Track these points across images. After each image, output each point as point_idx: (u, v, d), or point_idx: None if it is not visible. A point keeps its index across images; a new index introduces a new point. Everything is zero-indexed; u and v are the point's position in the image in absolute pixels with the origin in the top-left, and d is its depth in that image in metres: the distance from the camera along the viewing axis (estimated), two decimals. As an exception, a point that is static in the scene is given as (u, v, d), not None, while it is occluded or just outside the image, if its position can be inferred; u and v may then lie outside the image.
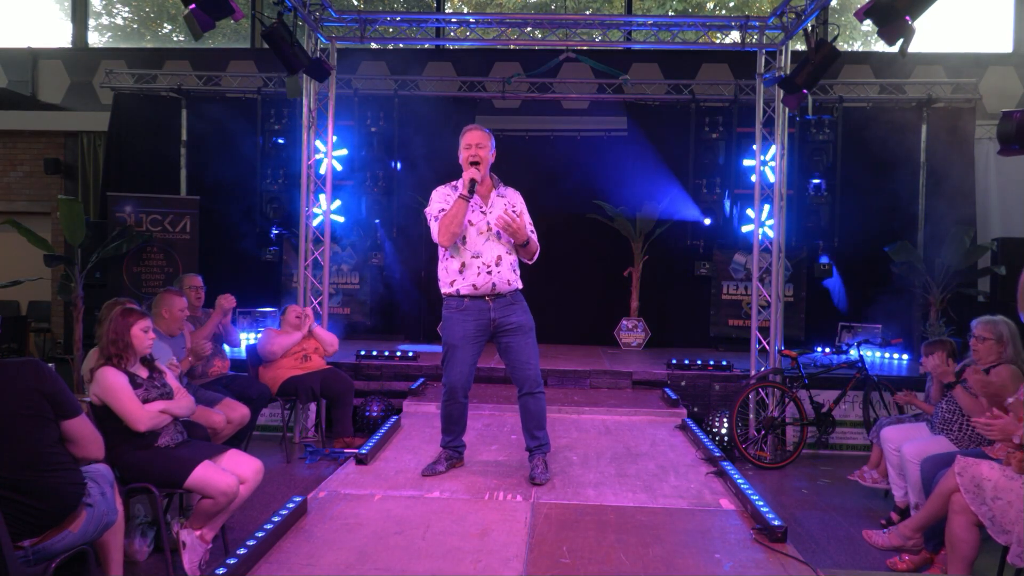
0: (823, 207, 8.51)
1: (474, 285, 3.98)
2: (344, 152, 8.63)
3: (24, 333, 8.82)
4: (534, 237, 4.03)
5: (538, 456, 4.11)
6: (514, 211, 3.96)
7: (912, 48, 4.84)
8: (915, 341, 7.84)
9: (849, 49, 10.74)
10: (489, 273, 3.96)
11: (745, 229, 8.52)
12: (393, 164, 8.86)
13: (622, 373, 6.92)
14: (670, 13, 10.69)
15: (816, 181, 8.37)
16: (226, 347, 5.43)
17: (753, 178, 7.05)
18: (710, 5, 11.61)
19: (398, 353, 7.19)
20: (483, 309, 4.01)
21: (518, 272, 4.08)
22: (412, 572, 2.89)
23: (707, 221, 8.68)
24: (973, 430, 3.88)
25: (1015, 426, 3.18)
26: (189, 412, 3.60)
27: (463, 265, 4.00)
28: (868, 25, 4.95)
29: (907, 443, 4.16)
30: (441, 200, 3.99)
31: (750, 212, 8.09)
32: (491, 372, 6.96)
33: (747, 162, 8.47)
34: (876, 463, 4.77)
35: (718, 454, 4.45)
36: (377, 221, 8.84)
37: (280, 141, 8.69)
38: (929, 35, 9.50)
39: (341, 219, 8.49)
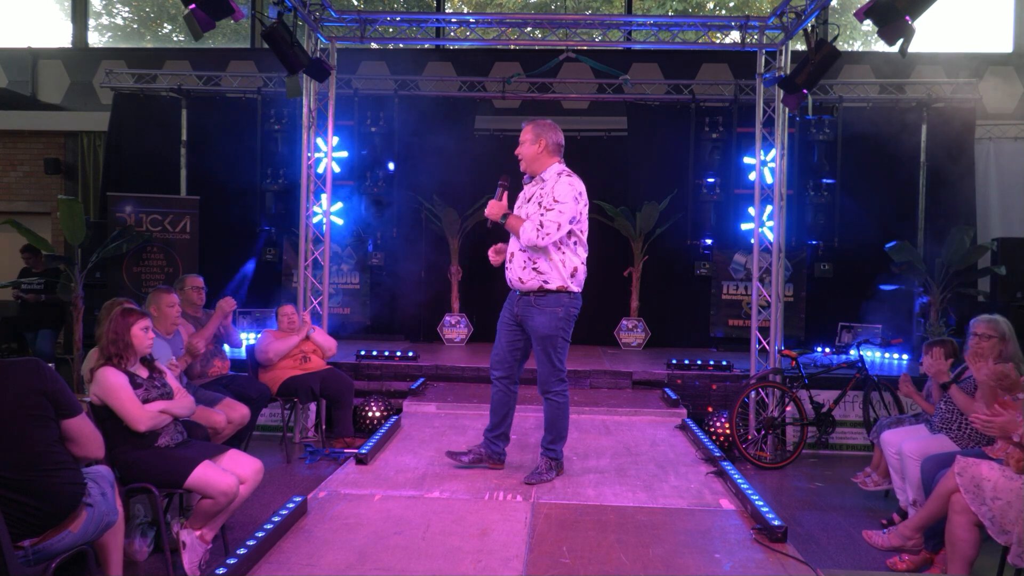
0: (823, 207, 8.51)
1: (507, 278, 4.05)
2: (344, 152, 8.63)
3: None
4: (525, 224, 3.84)
5: (542, 457, 4.11)
6: (539, 201, 3.86)
7: (912, 48, 4.84)
8: (915, 341, 7.84)
9: (849, 49, 10.74)
10: (509, 268, 4.01)
11: (745, 227, 8.51)
12: (393, 164, 8.86)
13: (622, 373, 6.92)
14: (670, 13, 10.69)
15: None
16: (226, 347, 5.43)
17: (753, 177, 7.05)
18: (710, 5, 11.62)
19: (398, 353, 7.19)
20: (513, 300, 4.07)
21: (540, 272, 3.89)
22: (412, 572, 2.89)
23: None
24: (973, 429, 3.87)
25: (1015, 424, 3.18)
26: (189, 412, 3.60)
27: None
28: (868, 25, 4.95)
29: (907, 441, 4.16)
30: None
31: (750, 214, 8.09)
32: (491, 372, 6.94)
33: (747, 159, 8.47)
34: (877, 464, 4.77)
35: (718, 454, 4.45)
36: (382, 232, 8.84)
37: (280, 141, 8.69)
38: (929, 35, 9.52)
39: (340, 221, 8.49)
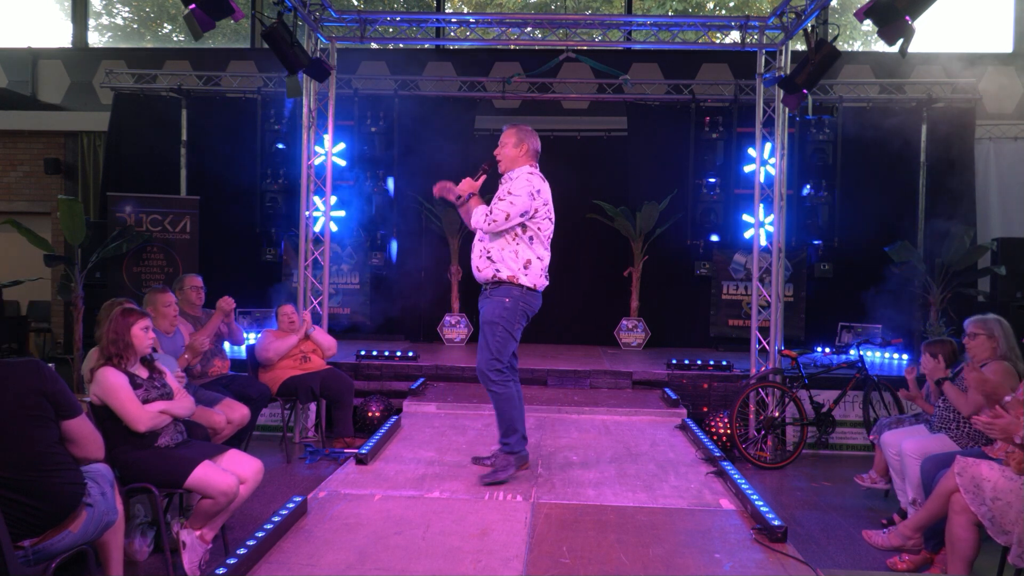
0: (823, 207, 8.51)
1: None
2: (344, 151, 8.63)
3: (24, 333, 8.81)
4: (478, 207, 3.97)
5: (500, 453, 4.09)
6: (499, 195, 3.98)
7: (912, 48, 4.84)
8: (915, 341, 7.83)
9: (849, 49, 10.74)
10: (471, 259, 4.09)
11: (747, 235, 8.51)
12: (393, 164, 8.86)
13: (622, 373, 6.92)
14: (670, 13, 10.69)
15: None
16: (226, 347, 5.43)
17: (750, 171, 7.05)
18: (710, 5, 11.62)
19: (398, 353, 7.19)
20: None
21: (493, 261, 3.96)
22: (412, 572, 2.89)
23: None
24: (972, 428, 3.88)
25: (1017, 425, 3.18)
26: (189, 412, 3.60)
27: None
28: (868, 25, 4.95)
29: (907, 440, 4.16)
30: None
31: (748, 217, 8.09)
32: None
33: (748, 167, 8.46)
34: (878, 464, 4.76)
35: (718, 454, 4.45)
36: (382, 232, 8.85)
37: (280, 141, 8.70)
38: (929, 35, 9.51)
39: (342, 213, 8.49)
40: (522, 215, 3.89)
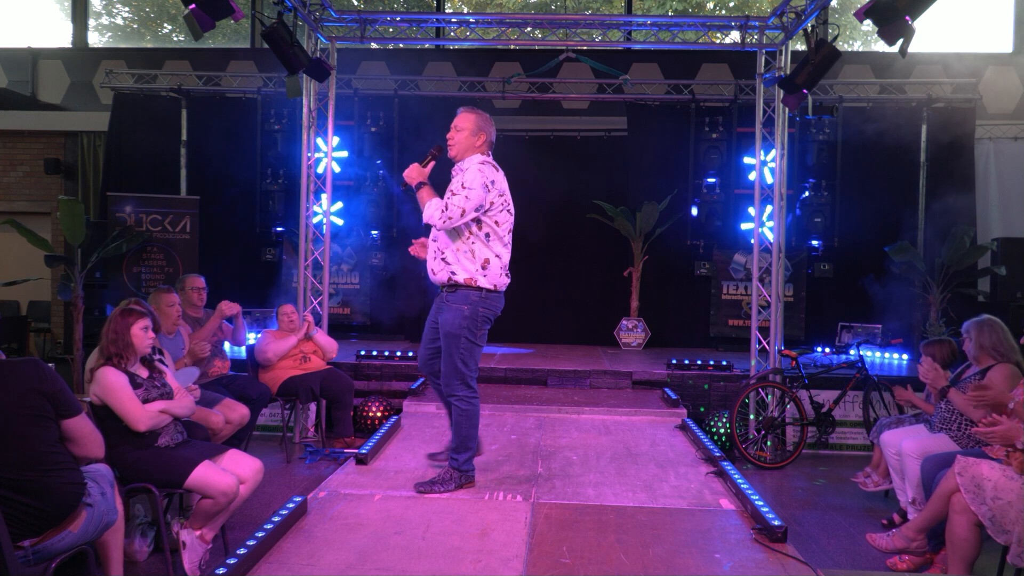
0: (823, 207, 8.51)
1: None
2: (344, 152, 8.63)
3: (24, 333, 8.81)
4: (432, 201, 3.67)
5: (448, 466, 3.89)
6: (452, 189, 3.72)
7: (912, 48, 4.85)
8: (915, 341, 7.83)
9: (849, 49, 10.74)
10: (428, 259, 3.86)
11: (745, 227, 8.51)
12: (393, 164, 8.86)
13: (622, 373, 6.92)
14: (670, 13, 10.69)
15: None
16: (227, 347, 5.43)
17: (752, 177, 7.05)
18: (710, 5, 11.62)
19: (398, 353, 7.18)
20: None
21: (447, 263, 3.72)
22: (412, 572, 2.89)
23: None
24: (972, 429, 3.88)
25: (1017, 431, 3.18)
26: (189, 412, 3.60)
27: None
28: (868, 25, 4.95)
29: (906, 439, 4.16)
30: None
31: (748, 224, 8.09)
32: (491, 372, 6.95)
33: (748, 159, 8.46)
34: (877, 463, 4.77)
35: (718, 454, 4.45)
36: (382, 231, 8.84)
37: (280, 141, 8.69)
38: (929, 35, 9.51)
39: (340, 222, 8.49)
40: (477, 210, 3.63)
